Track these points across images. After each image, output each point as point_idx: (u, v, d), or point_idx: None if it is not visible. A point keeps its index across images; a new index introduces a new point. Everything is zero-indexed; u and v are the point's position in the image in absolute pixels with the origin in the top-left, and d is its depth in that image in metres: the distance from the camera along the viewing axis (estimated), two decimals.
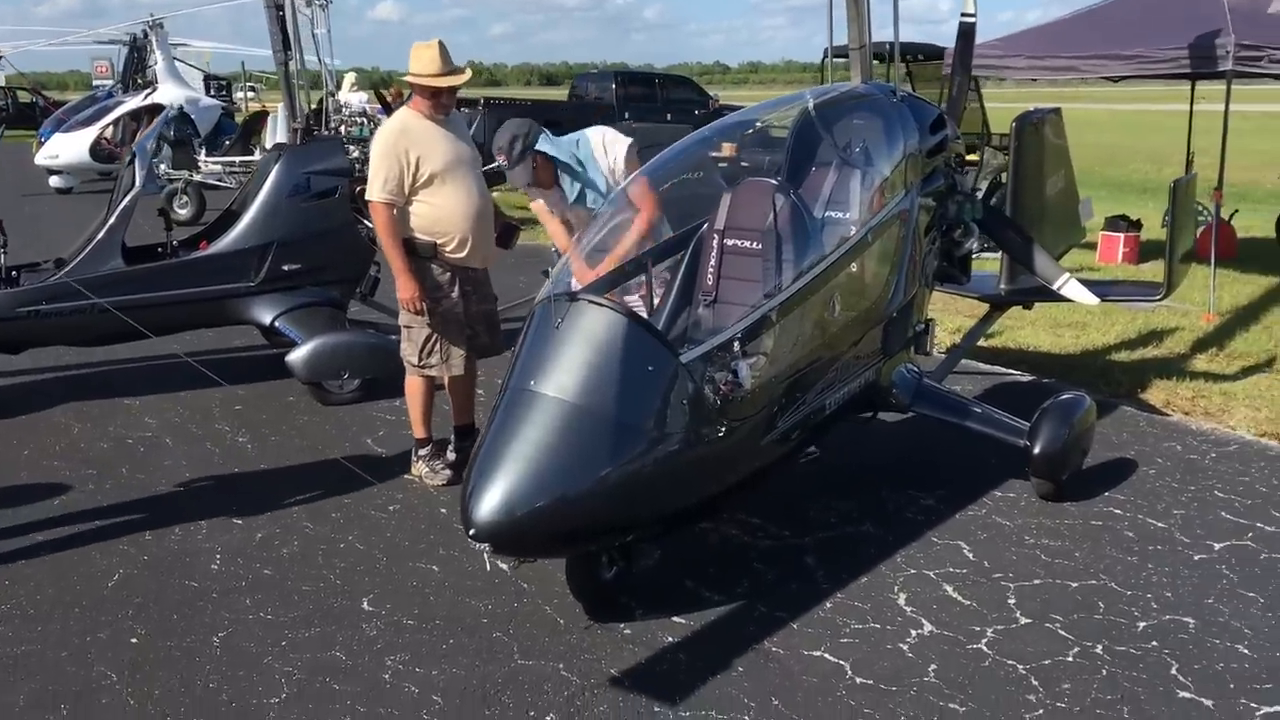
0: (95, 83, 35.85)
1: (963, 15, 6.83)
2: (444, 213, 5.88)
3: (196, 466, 6.52)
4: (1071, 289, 6.67)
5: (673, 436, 4.43)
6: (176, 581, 5.06)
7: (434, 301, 5.93)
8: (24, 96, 38.59)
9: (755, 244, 5.41)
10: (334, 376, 7.67)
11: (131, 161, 7.90)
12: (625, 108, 24.04)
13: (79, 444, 6.94)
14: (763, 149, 6.12)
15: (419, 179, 5.82)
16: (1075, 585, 4.99)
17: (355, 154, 8.63)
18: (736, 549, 5.38)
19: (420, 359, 6.03)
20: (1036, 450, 5.70)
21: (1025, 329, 9.85)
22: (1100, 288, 7.72)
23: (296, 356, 7.58)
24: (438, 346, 6.00)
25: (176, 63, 25.85)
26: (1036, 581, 5.03)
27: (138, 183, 7.76)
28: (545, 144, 5.98)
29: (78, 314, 7.56)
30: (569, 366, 4.38)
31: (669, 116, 22.47)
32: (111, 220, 7.70)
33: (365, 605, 4.83)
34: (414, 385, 6.17)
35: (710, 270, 5.52)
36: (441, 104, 5.91)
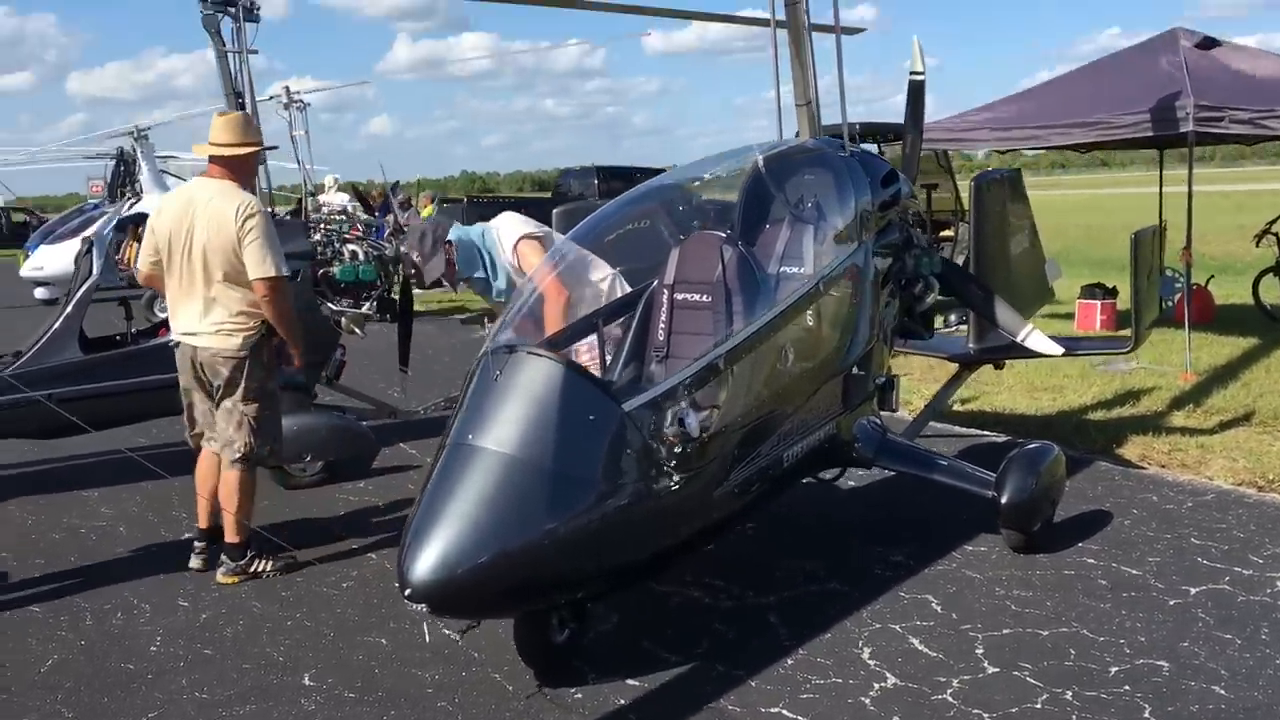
0: (90, 201, 36.07)
1: (911, 73, 6.85)
2: None
3: (148, 553, 6.34)
4: (1035, 340, 6.59)
5: (618, 488, 4.30)
6: (112, 664, 4.85)
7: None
8: (19, 217, 38.72)
9: (705, 297, 5.33)
10: (296, 459, 7.51)
11: (89, 251, 7.85)
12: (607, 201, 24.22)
13: (30, 535, 6.76)
14: (710, 204, 6.08)
15: None
16: (1045, 634, 4.81)
17: (317, 237, 8.59)
18: (698, 610, 5.19)
19: (274, 444, 5.97)
20: (1004, 500, 5.55)
21: (1002, 393, 9.75)
22: (1067, 342, 7.64)
23: None
24: (279, 429, 6.05)
25: (165, 175, 26.17)
26: (1005, 631, 4.84)
27: (95, 272, 7.71)
28: (454, 232, 6.21)
29: (29, 405, 7.43)
30: (508, 419, 4.27)
31: None
32: (67, 310, 7.62)
33: (306, 680, 4.63)
34: (245, 477, 5.80)
35: (661, 325, 5.44)
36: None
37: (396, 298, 8.87)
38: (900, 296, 6.41)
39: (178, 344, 5.79)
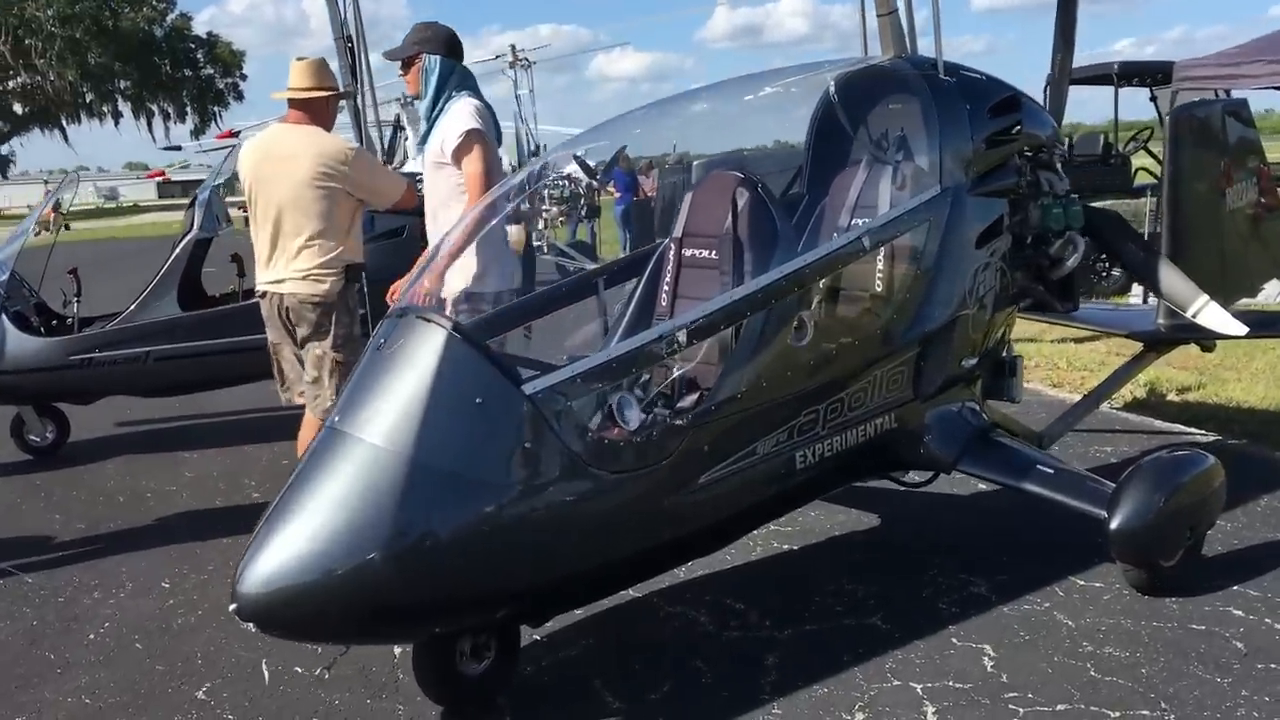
0: None
1: None
2: None
3: (187, 525, 5.97)
4: (1211, 315, 5.10)
5: (510, 490, 3.42)
6: (39, 652, 4.45)
7: None
8: None
9: (712, 253, 4.31)
10: None
11: (192, 205, 7.64)
12: None
13: (99, 496, 6.60)
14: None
15: None
16: (1115, 715, 3.52)
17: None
18: (690, 640, 4.21)
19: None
20: (1113, 525, 4.19)
21: (1240, 381, 7.99)
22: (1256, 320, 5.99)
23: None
24: None
25: None
26: (1060, 707, 3.59)
27: (194, 226, 7.49)
28: (446, 71, 4.93)
29: (132, 362, 7.30)
30: (380, 400, 3.46)
31: None
32: (166, 265, 7.44)
33: (199, 693, 4.01)
34: None
35: (665, 287, 4.45)
36: None
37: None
38: (1025, 258, 5.09)
39: (264, 294, 5.41)
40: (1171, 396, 7.66)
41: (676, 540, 3.83)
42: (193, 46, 70.71)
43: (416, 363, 3.45)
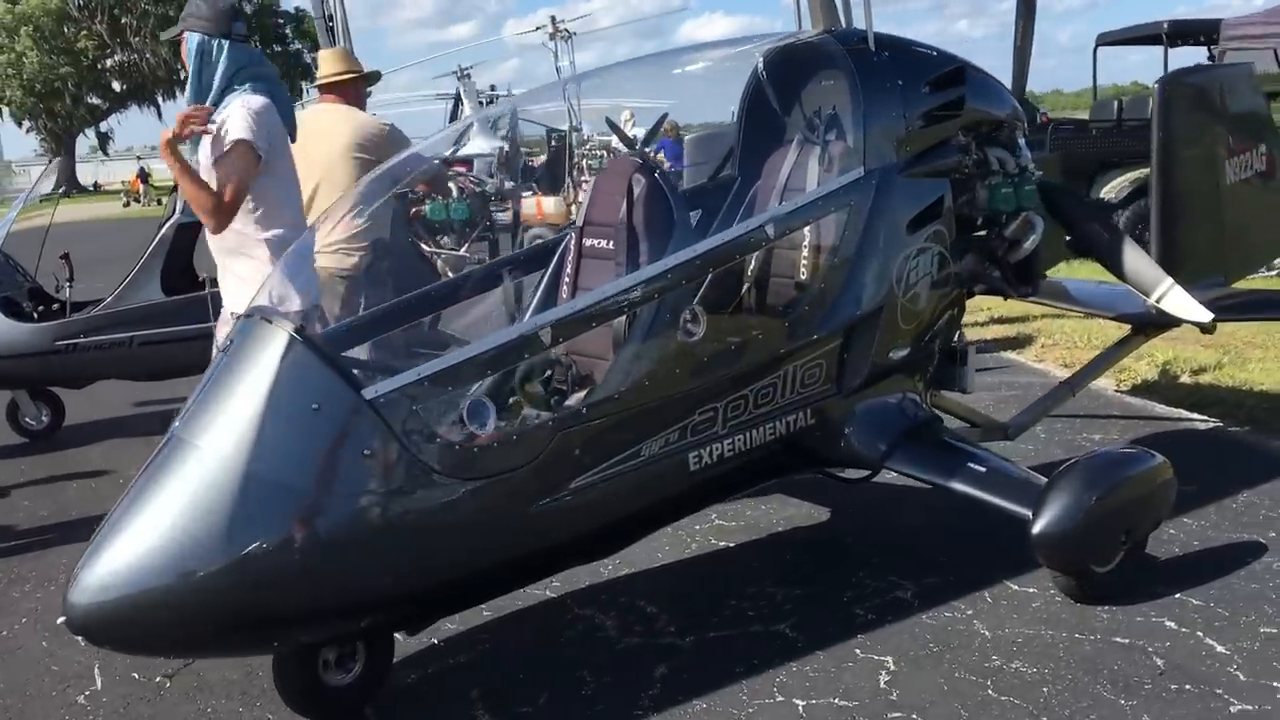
0: None
1: None
2: None
3: None
4: (1174, 301, 4.77)
5: (350, 499, 3.28)
6: None
7: None
8: None
9: (609, 243, 4.11)
10: None
11: (174, 191, 7.63)
12: None
13: (75, 482, 6.63)
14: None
15: None
16: None
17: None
18: (586, 647, 4.05)
19: None
20: (1035, 528, 3.92)
21: (1263, 362, 7.55)
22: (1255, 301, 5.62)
23: None
24: None
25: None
26: None
27: (176, 211, 7.47)
28: (216, 55, 4.10)
29: (116, 347, 7.33)
30: (220, 407, 3.36)
31: None
32: (149, 250, 7.44)
33: (82, 697, 3.93)
34: None
35: (566, 279, 4.27)
36: None
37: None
38: (976, 240, 4.81)
39: None
40: (1184, 378, 7.25)
41: (549, 548, 3.66)
42: (281, 22, 71.73)
43: (254, 367, 3.33)
